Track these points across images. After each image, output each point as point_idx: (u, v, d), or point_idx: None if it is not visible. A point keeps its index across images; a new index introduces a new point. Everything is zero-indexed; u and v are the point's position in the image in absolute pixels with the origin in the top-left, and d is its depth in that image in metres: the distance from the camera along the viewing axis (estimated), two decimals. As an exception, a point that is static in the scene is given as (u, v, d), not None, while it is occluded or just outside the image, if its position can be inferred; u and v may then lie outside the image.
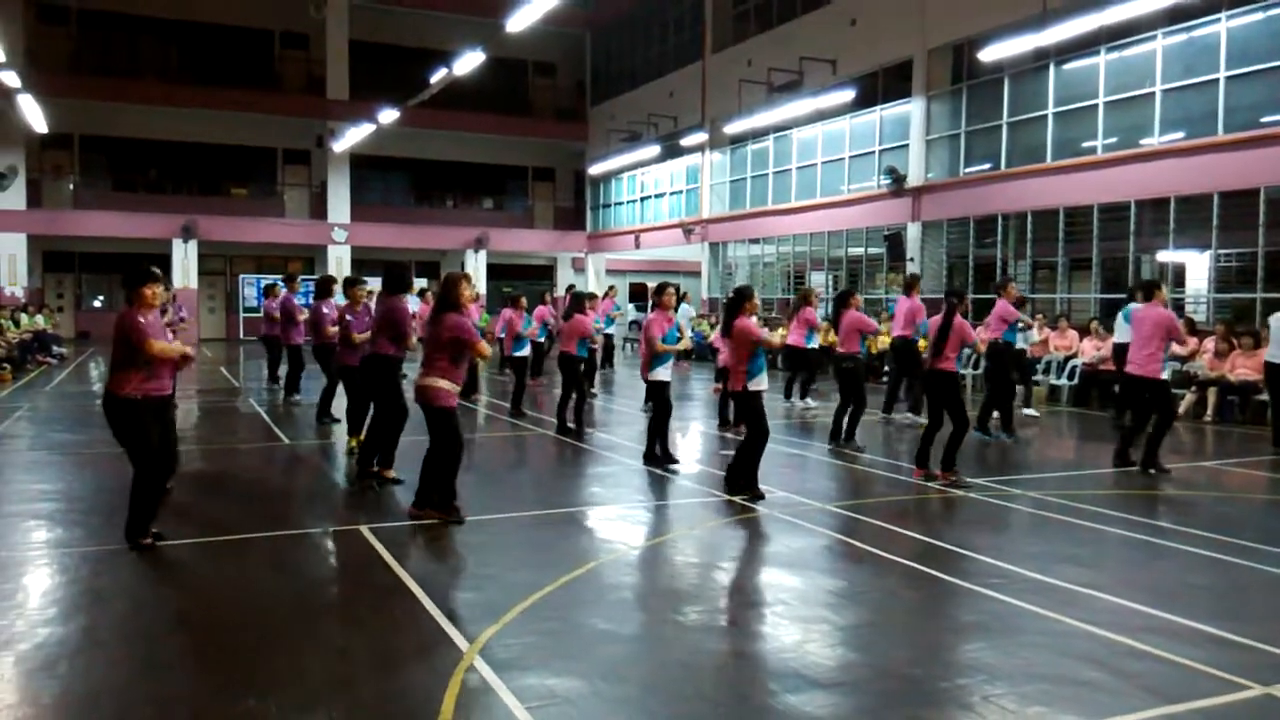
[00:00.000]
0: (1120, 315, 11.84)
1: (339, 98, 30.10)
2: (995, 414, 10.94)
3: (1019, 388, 12.21)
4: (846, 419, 10.31)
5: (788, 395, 13.61)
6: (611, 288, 21.70)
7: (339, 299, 10.69)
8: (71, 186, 29.32)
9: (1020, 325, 11.64)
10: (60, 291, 30.46)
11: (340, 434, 10.61)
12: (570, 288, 16.64)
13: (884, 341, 16.03)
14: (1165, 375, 9.05)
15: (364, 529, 6.58)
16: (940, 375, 8.51)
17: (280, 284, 15.10)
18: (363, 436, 9.59)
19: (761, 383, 7.62)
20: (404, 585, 5.32)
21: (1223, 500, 8.24)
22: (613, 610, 5.03)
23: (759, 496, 7.56)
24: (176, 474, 6.43)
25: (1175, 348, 10.01)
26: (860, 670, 4.29)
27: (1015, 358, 11.62)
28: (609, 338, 18.32)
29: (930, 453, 8.46)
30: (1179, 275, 16.81)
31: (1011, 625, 4.78)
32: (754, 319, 7.75)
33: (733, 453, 8.10)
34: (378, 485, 7.94)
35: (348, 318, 9.66)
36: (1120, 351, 10.86)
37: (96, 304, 30.99)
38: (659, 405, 9.01)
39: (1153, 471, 8.71)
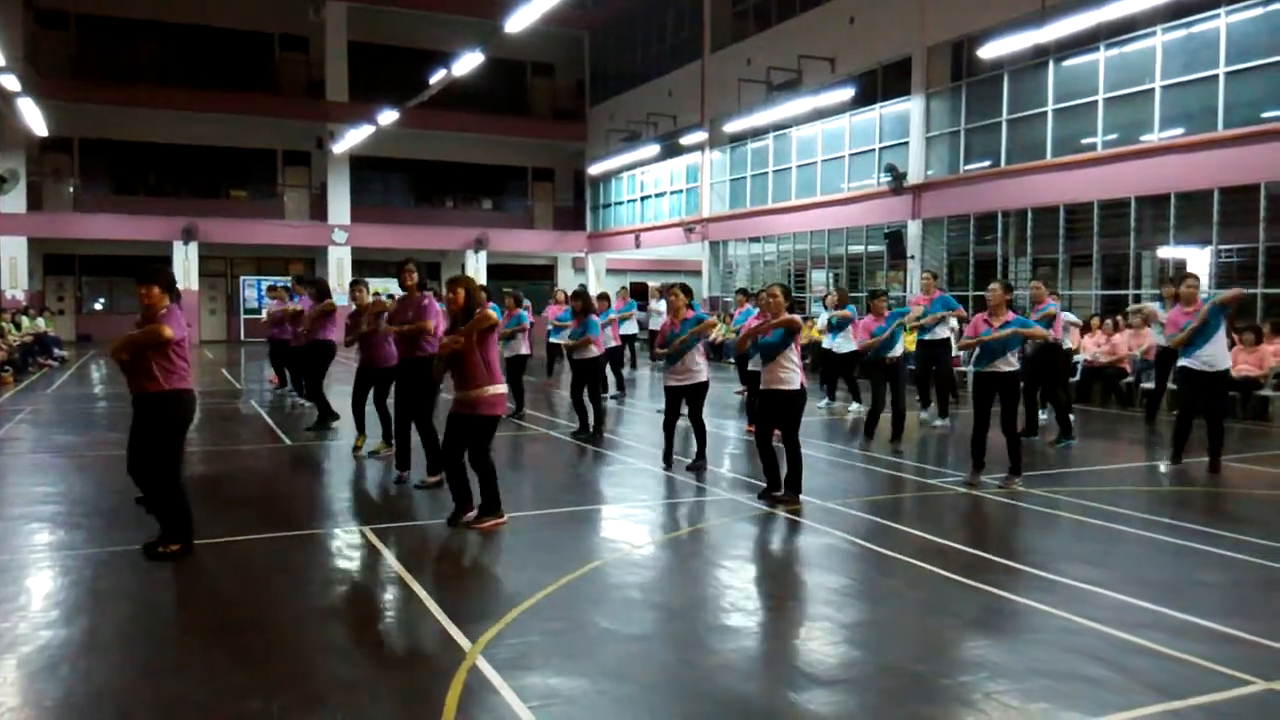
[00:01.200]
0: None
1: (338, 99, 30.11)
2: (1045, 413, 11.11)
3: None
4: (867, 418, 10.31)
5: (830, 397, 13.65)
6: (622, 288, 21.65)
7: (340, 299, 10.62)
8: (72, 189, 29.34)
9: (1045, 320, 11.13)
10: (61, 294, 30.45)
11: (341, 434, 10.64)
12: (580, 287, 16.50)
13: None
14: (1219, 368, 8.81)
15: (367, 530, 6.59)
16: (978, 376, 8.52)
17: (287, 286, 15.04)
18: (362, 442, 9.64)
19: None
20: (406, 585, 5.32)
21: (1226, 496, 8.22)
22: (616, 609, 5.02)
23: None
24: (137, 480, 6.01)
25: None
26: (863, 667, 4.29)
27: (1058, 359, 11.17)
28: (625, 339, 18.09)
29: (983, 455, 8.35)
30: (1180, 271, 16.79)
31: (1015, 622, 4.78)
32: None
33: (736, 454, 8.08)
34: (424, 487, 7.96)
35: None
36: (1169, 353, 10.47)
37: (97, 306, 31.00)
38: (666, 409, 8.91)
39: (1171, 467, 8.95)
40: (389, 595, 5.25)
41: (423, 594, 5.14)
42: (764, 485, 7.63)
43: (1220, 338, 8.75)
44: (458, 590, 5.45)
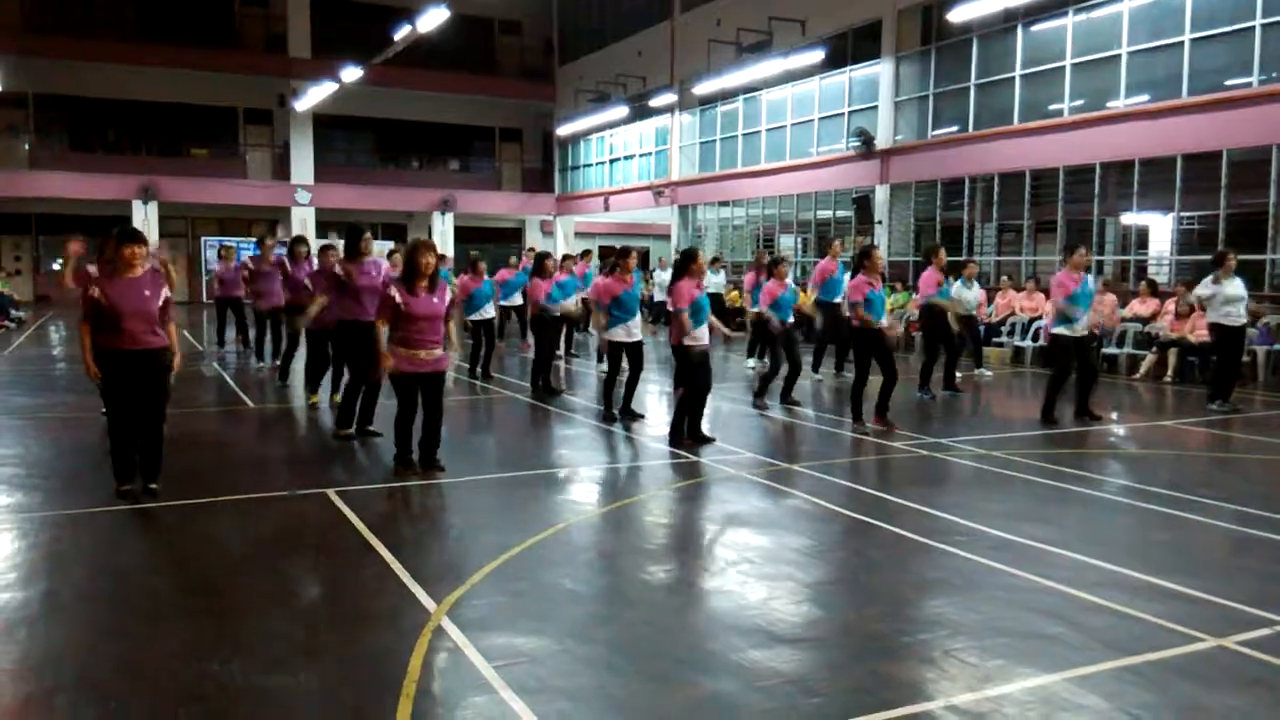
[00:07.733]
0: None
1: (301, 56, 29.51)
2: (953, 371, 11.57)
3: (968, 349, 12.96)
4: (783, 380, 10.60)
5: (749, 354, 14.01)
6: (586, 251, 21.52)
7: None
8: (27, 146, 28.61)
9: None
10: (18, 254, 29.84)
11: (299, 395, 10.55)
12: (530, 248, 16.49)
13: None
14: (1058, 330, 9.50)
15: (330, 492, 6.54)
16: (862, 331, 8.99)
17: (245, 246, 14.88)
18: (330, 396, 9.67)
19: (698, 337, 8.08)
20: (371, 547, 5.30)
21: (1180, 458, 8.38)
22: (580, 570, 5.04)
23: (708, 440, 8.12)
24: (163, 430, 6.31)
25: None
26: (825, 626, 4.33)
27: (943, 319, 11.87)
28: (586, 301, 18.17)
29: (863, 405, 9.07)
30: (1142, 237, 16.97)
31: (974, 581, 4.85)
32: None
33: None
34: (359, 440, 8.25)
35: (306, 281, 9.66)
36: None
37: (55, 266, 30.35)
38: (612, 365, 9.47)
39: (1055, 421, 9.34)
40: (352, 557, 5.22)
41: (387, 555, 5.12)
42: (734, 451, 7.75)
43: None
44: (422, 552, 5.44)
